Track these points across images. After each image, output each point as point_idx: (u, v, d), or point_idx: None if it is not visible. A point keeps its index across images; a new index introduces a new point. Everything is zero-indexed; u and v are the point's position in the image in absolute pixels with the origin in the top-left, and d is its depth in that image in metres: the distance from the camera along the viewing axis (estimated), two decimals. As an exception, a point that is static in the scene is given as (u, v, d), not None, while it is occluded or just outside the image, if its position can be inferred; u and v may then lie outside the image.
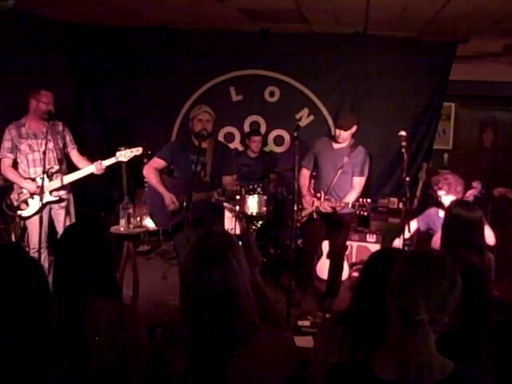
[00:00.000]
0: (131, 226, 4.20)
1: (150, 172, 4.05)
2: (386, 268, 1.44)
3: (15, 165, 4.22)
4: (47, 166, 4.11)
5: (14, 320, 1.44)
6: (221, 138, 6.23)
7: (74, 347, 1.63)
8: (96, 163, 4.26)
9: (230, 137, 6.37)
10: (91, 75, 6.41)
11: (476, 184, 4.40)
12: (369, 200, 3.99)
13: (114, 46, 6.29)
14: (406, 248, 3.79)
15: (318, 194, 4.36)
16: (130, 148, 4.39)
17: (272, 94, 6.24)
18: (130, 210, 4.21)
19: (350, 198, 4.18)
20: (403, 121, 5.66)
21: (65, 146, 4.37)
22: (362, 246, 5.42)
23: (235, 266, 1.58)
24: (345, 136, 4.26)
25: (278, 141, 6.36)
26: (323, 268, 4.98)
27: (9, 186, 4.30)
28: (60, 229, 4.36)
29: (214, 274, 1.54)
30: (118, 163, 4.47)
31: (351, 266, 5.25)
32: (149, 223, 4.49)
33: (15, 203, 4.20)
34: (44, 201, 4.05)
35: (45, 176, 4.05)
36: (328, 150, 4.40)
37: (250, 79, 6.21)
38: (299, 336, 3.55)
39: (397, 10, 4.63)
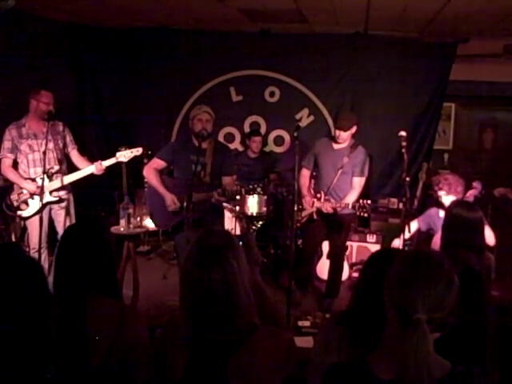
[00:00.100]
0: (131, 226, 4.20)
1: (150, 173, 4.04)
2: (386, 268, 1.44)
3: (15, 165, 4.22)
4: (47, 166, 4.11)
5: (14, 320, 1.43)
6: (221, 138, 6.23)
7: (75, 347, 1.63)
8: (96, 163, 4.26)
9: (230, 137, 6.38)
10: (91, 75, 6.42)
11: (476, 184, 4.40)
12: (369, 201, 3.99)
13: (114, 46, 6.30)
14: (406, 248, 3.80)
15: (318, 195, 4.36)
16: (129, 148, 4.39)
17: (272, 94, 6.24)
18: (130, 210, 4.21)
19: (350, 198, 4.18)
20: (403, 121, 5.66)
21: (65, 146, 4.37)
22: (362, 247, 5.42)
23: (235, 266, 1.58)
24: (344, 136, 4.26)
25: (278, 141, 6.37)
26: (323, 268, 4.98)
27: (9, 186, 4.30)
28: (60, 229, 4.36)
29: (213, 274, 1.54)
30: (118, 163, 4.47)
31: (351, 266, 5.25)
32: (149, 223, 4.49)
33: (15, 203, 4.20)
34: (44, 201, 4.05)
35: (45, 176, 4.05)
36: (328, 151, 4.40)
37: (250, 79, 6.21)
38: (299, 336, 3.55)
39: (397, 11, 4.63)
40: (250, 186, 3.96)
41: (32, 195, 4.17)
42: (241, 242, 1.77)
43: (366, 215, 4.06)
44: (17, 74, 5.10)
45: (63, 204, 4.35)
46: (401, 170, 4.64)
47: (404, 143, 3.90)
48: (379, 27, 5.55)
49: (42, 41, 5.52)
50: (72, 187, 4.43)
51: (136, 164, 5.20)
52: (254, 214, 5.03)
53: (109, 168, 4.36)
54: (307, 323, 3.99)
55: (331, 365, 1.41)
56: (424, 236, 4.27)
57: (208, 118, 3.93)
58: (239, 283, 1.57)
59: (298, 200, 4.10)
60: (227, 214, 5.05)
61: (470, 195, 4.24)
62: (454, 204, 2.99)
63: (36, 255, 4.12)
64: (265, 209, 5.01)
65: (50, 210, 4.32)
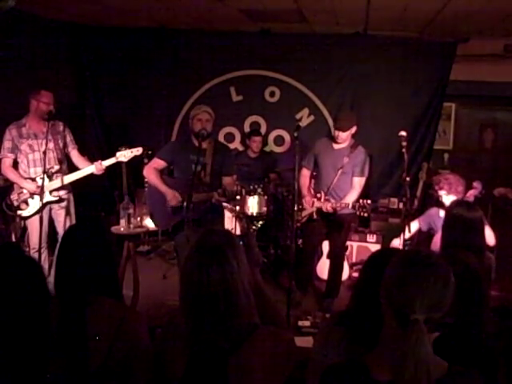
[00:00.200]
0: (131, 226, 4.20)
1: (151, 172, 4.04)
2: (386, 268, 1.44)
3: (15, 165, 4.22)
4: (47, 166, 4.11)
5: (13, 320, 1.43)
6: (221, 138, 6.23)
7: (75, 348, 1.63)
8: (96, 163, 4.25)
9: (230, 137, 6.38)
10: (91, 75, 6.42)
11: (476, 184, 4.40)
12: (369, 201, 3.98)
13: (114, 46, 6.30)
14: (406, 248, 3.80)
15: (318, 195, 4.36)
16: (129, 148, 4.39)
17: (272, 94, 6.24)
18: (131, 210, 4.21)
19: (350, 198, 4.18)
20: (403, 121, 5.66)
21: (65, 146, 4.37)
22: (363, 246, 5.42)
23: (235, 266, 1.58)
24: (343, 137, 4.26)
25: (279, 141, 6.37)
26: (323, 268, 4.98)
27: (9, 185, 4.30)
28: (60, 229, 4.36)
29: (212, 273, 1.54)
30: (119, 163, 4.47)
31: (351, 266, 5.25)
32: (149, 223, 4.48)
33: (15, 203, 4.20)
34: (44, 201, 4.05)
35: (45, 176, 4.05)
36: (328, 151, 4.39)
37: (250, 79, 6.21)
38: (299, 336, 3.55)
39: (397, 11, 4.63)
40: (251, 187, 3.96)
41: (32, 195, 4.17)
42: (241, 242, 1.77)
43: (365, 215, 4.06)
44: (17, 74, 5.10)
45: (63, 204, 4.35)
46: (401, 170, 4.65)
47: (404, 143, 3.90)
48: (379, 27, 5.55)
49: (42, 41, 5.52)
50: (72, 187, 4.43)
51: (136, 164, 5.19)
52: (254, 214, 5.03)
53: (109, 168, 4.36)
54: (307, 323, 3.99)
55: (328, 366, 1.41)
56: (424, 236, 4.27)
57: (208, 117, 3.92)
58: (239, 283, 1.57)
59: (298, 200, 4.10)
60: (227, 214, 5.05)
61: (471, 195, 4.24)
62: (454, 204, 2.99)
63: (36, 255, 4.12)
64: (265, 209, 5.00)
65: (50, 209, 4.32)
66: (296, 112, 6.19)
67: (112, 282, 1.85)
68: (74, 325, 1.66)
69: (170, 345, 1.64)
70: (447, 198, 3.79)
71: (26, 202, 4.20)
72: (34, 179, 4.17)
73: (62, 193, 4.32)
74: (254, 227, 5.46)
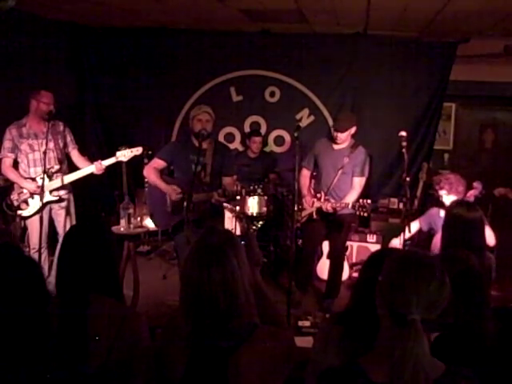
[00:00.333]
0: (131, 226, 4.20)
1: (151, 172, 4.04)
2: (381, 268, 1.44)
3: (16, 164, 4.23)
4: (47, 166, 4.11)
5: (12, 320, 1.43)
6: (221, 138, 6.23)
7: (75, 348, 1.63)
8: (96, 163, 4.26)
9: (230, 137, 6.37)
10: (91, 75, 6.41)
11: (477, 184, 4.40)
12: (369, 201, 3.98)
13: (114, 46, 6.29)
14: (406, 248, 3.79)
15: (318, 195, 4.36)
16: (129, 148, 4.39)
17: (272, 94, 6.24)
18: (131, 210, 4.21)
19: (350, 198, 4.18)
20: (403, 121, 5.66)
21: (65, 145, 4.37)
22: (363, 247, 5.42)
23: (235, 265, 1.58)
24: (342, 137, 4.26)
25: (279, 141, 6.36)
26: (323, 268, 4.98)
27: (9, 185, 4.30)
28: (60, 229, 4.36)
29: (213, 272, 1.53)
30: (119, 163, 4.47)
31: (351, 266, 5.25)
32: (149, 223, 4.48)
33: (15, 203, 4.20)
34: (44, 201, 4.05)
35: (45, 176, 4.05)
36: (328, 151, 4.40)
37: (250, 79, 6.21)
38: (299, 336, 3.55)
39: (397, 11, 4.63)
40: (251, 187, 3.96)
41: (32, 195, 4.17)
42: (242, 242, 1.77)
43: (365, 215, 4.06)
44: (17, 74, 5.10)
45: (63, 204, 4.35)
46: (401, 170, 4.65)
47: (404, 143, 3.90)
48: (379, 27, 5.55)
49: (42, 41, 5.51)
50: (72, 187, 4.43)
51: (136, 164, 5.19)
52: (254, 214, 5.03)
53: (109, 168, 4.36)
54: (307, 323, 3.99)
55: (325, 369, 1.41)
56: (425, 236, 4.27)
57: (208, 118, 3.92)
58: (239, 282, 1.57)
59: (298, 200, 4.10)
60: (227, 214, 5.05)
61: (471, 195, 4.24)
62: (454, 204, 2.99)
63: (36, 255, 4.12)
64: (265, 209, 5.00)
65: (51, 209, 4.33)
66: (296, 112, 6.19)
67: (113, 282, 1.85)
68: (74, 325, 1.66)
69: (170, 345, 1.64)
70: (447, 198, 3.79)
71: (26, 202, 4.20)
72: (34, 179, 4.18)
73: (62, 193, 4.32)
74: (254, 227, 5.46)
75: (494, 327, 1.86)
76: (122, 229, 4.16)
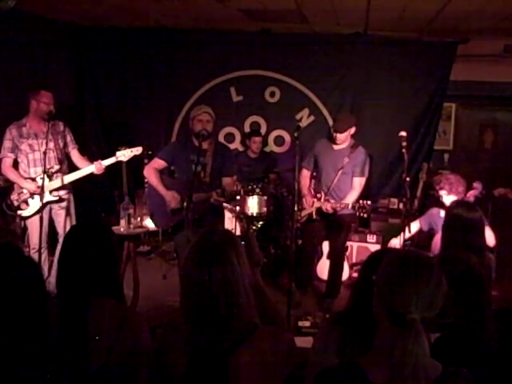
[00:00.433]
0: (131, 226, 4.20)
1: (151, 172, 4.04)
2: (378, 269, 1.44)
3: (16, 164, 4.22)
4: (47, 166, 4.11)
5: (11, 320, 1.43)
6: (221, 138, 6.23)
7: (75, 348, 1.63)
8: (96, 163, 4.25)
9: (230, 137, 6.37)
10: (91, 75, 6.41)
11: (477, 184, 4.40)
12: (369, 202, 3.98)
13: (114, 46, 6.30)
14: (406, 248, 3.79)
15: (318, 195, 4.36)
16: (129, 148, 4.39)
17: (272, 94, 6.24)
18: (131, 211, 4.21)
19: (350, 198, 4.18)
20: (403, 121, 5.67)
21: (65, 145, 4.37)
22: (363, 247, 5.41)
23: (235, 264, 1.58)
24: (342, 138, 4.27)
25: (279, 141, 6.36)
26: (323, 268, 4.98)
27: (9, 185, 4.30)
28: (60, 229, 4.35)
29: (213, 271, 1.53)
30: (119, 163, 4.47)
31: (351, 266, 5.25)
32: (149, 223, 4.48)
33: (15, 203, 4.20)
34: (44, 201, 4.05)
35: (45, 176, 4.05)
36: (328, 151, 4.40)
37: (250, 79, 6.21)
38: (299, 336, 3.55)
39: (397, 11, 4.64)
40: (249, 187, 3.95)
41: (32, 195, 4.17)
42: (242, 242, 1.77)
43: (365, 216, 4.06)
44: (17, 74, 5.10)
45: (63, 204, 4.35)
46: (401, 170, 4.65)
47: (404, 143, 3.91)
48: (379, 27, 5.55)
49: (42, 41, 5.51)
50: (72, 187, 4.43)
51: (136, 164, 5.19)
52: (254, 215, 5.02)
53: (109, 168, 4.36)
54: (307, 323, 3.99)
55: (323, 369, 1.40)
56: (425, 236, 4.27)
57: (208, 118, 3.92)
58: (240, 282, 1.57)
59: (298, 200, 4.10)
60: (227, 215, 5.05)
61: (471, 195, 4.24)
62: (454, 204, 3.00)
63: (36, 255, 4.12)
64: (265, 209, 4.99)
65: (51, 210, 4.32)
66: (296, 112, 6.19)
67: (114, 283, 1.85)
68: (75, 325, 1.66)
69: (170, 345, 1.64)
70: (448, 198, 3.79)
71: (26, 202, 4.20)
72: (34, 179, 4.17)
73: (62, 193, 4.32)
74: (254, 227, 5.46)
75: (495, 328, 1.86)
76: (121, 229, 4.16)
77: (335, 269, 4.59)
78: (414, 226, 4.05)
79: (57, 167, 4.24)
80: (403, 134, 3.95)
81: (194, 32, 6.13)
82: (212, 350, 1.56)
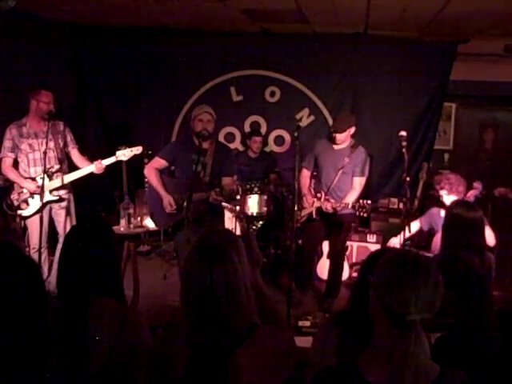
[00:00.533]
0: (131, 226, 4.20)
1: (151, 172, 4.04)
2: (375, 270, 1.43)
3: (16, 164, 4.22)
4: (47, 166, 4.11)
5: (10, 320, 1.43)
6: (221, 138, 6.23)
7: (76, 348, 1.63)
8: (96, 162, 4.25)
9: (230, 137, 6.37)
10: (91, 75, 6.41)
11: (477, 184, 4.40)
12: (369, 201, 3.98)
13: (114, 47, 6.29)
14: (406, 248, 3.80)
15: (319, 195, 4.36)
16: (129, 147, 4.39)
17: (272, 94, 6.24)
18: (131, 210, 4.21)
19: (350, 198, 4.18)
20: (404, 121, 5.67)
21: (65, 145, 4.36)
22: (363, 247, 5.41)
23: (236, 263, 1.58)
24: (341, 138, 4.26)
25: (279, 141, 6.37)
26: (323, 268, 4.98)
27: (9, 185, 4.30)
28: (60, 229, 4.35)
29: (215, 270, 1.53)
30: (119, 163, 4.47)
31: (351, 266, 5.25)
32: (149, 223, 4.49)
33: (15, 203, 4.20)
34: (44, 200, 4.05)
35: (45, 175, 4.05)
36: (328, 151, 4.39)
37: (250, 79, 6.21)
38: (299, 336, 3.54)
39: (397, 11, 4.64)
40: (247, 186, 3.95)
41: (32, 194, 4.17)
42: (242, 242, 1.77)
43: (365, 215, 4.06)
44: (17, 74, 5.10)
45: (63, 204, 4.34)
46: (401, 170, 4.65)
47: (404, 143, 3.91)
48: (379, 27, 5.55)
49: (42, 41, 5.51)
50: (72, 187, 4.43)
51: (136, 164, 5.20)
52: (254, 214, 5.03)
53: (109, 168, 4.35)
54: (307, 323, 3.98)
55: (319, 370, 1.40)
56: (425, 236, 4.27)
57: (209, 118, 3.92)
58: (240, 281, 1.57)
59: (298, 200, 4.10)
60: (227, 214, 5.05)
61: (471, 195, 4.24)
62: (454, 204, 3.00)
63: (36, 255, 4.12)
64: (265, 209, 5.00)
65: (51, 209, 4.32)
66: (296, 112, 6.19)
67: (114, 283, 1.85)
68: (75, 325, 1.66)
69: (171, 345, 1.64)
70: (448, 198, 3.79)
71: (26, 202, 4.20)
72: (34, 179, 4.17)
73: (62, 192, 4.32)
74: (253, 227, 5.46)
75: (496, 328, 1.86)
76: (122, 229, 4.17)
77: (335, 268, 4.59)
78: (414, 226, 4.05)
79: (57, 167, 4.24)
80: (403, 133, 3.95)
81: (193, 32, 6.12)
82: (212, 350, 1.55)
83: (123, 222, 4.19)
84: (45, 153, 4.03)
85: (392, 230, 4.79)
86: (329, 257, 4.82)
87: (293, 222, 3.99)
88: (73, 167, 4.43)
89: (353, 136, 4.36)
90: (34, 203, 4.18)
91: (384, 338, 1.33)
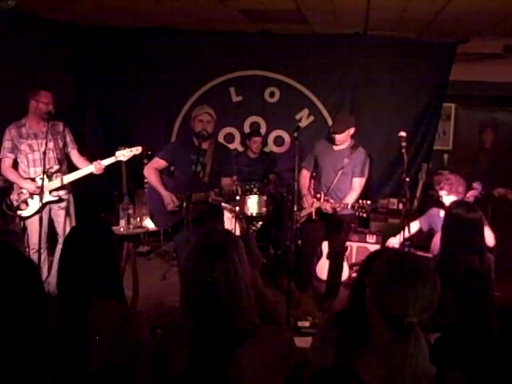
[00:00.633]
0: (131, 226, 4.20)
1: (151, 172, 4.05)
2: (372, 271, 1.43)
3: (15, 165, 4.22)
4: (47, 166, 4.11)
5: (9, 320, 1.43)
6: (221, 138, 6.23)
7: (76, 348, 1.63)
8: (95, 163, 4.25)
9: (230, 137, 6.37)
10: (91, 75, 6.41)
11: (476, 185, 4.40)
12: (368, 201, 3.98)
13: (114, 47, 6.29)
14: (405, 248, 3.80)
15: (318, 195, 4.36)
16: (129, 148, 4.39)
17: (272, 94, 6.24)
18: (130, 211, 4.21)
19: (350, 198, 4.18)
20: (403, 121, 5.66)
21: (65, 145, 4.36)
22: (362, 247, 5.41)
23: (237, 262, 1.58)
24: (340, 139, 4.27)
25: (278, 141, 6.36)
26: (323, 268, 4.98)
27: (9, 186, 4.30)
28: (60, 229, 4.35)
29: (216, 271, 1.53)
30: (118, 163, 4.47)
31: (351, 266, 5.25)
32: (149, 224, 4.48)
33: (15, 203, 4.20)
34: (44, 201, 4.05)
35: (44, 176, 4.05)
36: (328, 152, 4.40)
37: (250, 80, 6.21)
38: (299, 336, 3.55)
39: (397, 11, 4.63)
40: (247, 187, 3.96)
41: (32, 195, 4.17)
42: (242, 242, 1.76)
43: (365, 215, 4.06)
44: (17, 74, 5.10)
45: (63, 204, 4.34)
46: (401, 171, 4.64)
47: (404, 143, 3.90)
48: (379, 27, 5.55)
49: (42, 41, 5.51)
50: (72, 187, 4.43)
51: (136, 164, 5.20)
52: (254, 215, 5.03)
53: (109, 168, 4.35)
54: (307, 323, 3.98)
55: (316, 371, 1.40)
56: (425, 236, 4.27)
57: (209, 119, 3.92)
58: (241, 281, 1.57)
59: (298, 200, 4.10)
60: (227, 215, 5.05)
61: (471, 196, 4.24)
62: (454, 204, 3.00)
63: (36, 255, 4.12)
64: (264, 209, 5.01)
65: (50, 210, 4.32)
66: (296, 112, 6.19)
67: (114, 283, 1.85)
68: (75, 325, 1.66)
69: (171, 345, 1.64)
70: (447, 199, 3.79)
71: (25, 202, 4.20)
72: (33, 179, 4.17)
73: (62, 193, 4.32)
74: (253, 228, 5.46)
75: (498, 328, 1.86)
76: (121, 229, 4.17)
77: (335, 269, 4.59)
78: (414, 226, 4.05)
79: (56, 167, 4.24)
80: (403, 134, 3.95)
81: (194, 32, 6.12)
82: (212, 350, 1.55)
83: (123, 222, 4.19)
84: (44, 153, 4.03)
85: (391, 231, 4.79)
86: (328, 257, 4.82)
87: (292, 222, 3.99)
88: (72, 168, 4.43)
89: (352, 137, 4.36)
90: (34, 204, 4.18)
91: (381, 338, 1.33)
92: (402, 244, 3.89)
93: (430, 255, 3.61)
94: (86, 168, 4.28)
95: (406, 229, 3.82)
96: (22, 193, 4.18)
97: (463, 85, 6.19)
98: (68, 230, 4.21)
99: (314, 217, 4.36)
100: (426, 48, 5.79)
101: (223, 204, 4.37)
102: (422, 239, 4.46)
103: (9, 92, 4.94)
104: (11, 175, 4.18)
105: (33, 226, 4.20)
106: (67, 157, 4.42)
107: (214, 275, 1.53)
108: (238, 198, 4.14)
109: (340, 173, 4.29)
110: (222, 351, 1.55)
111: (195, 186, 3.67)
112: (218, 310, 1.53)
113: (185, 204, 3.57)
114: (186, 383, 1.57)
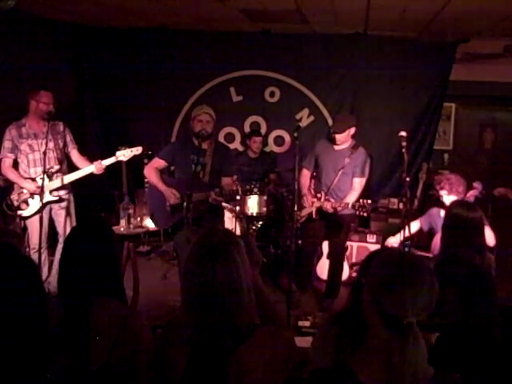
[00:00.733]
0: (131, 226, 4.21)
1: (151, 172, 4.05)
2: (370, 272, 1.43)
3: (15, 165, 4.22)
4: (47, 166, 4.11)
5: (9, 320, 1.43)
6: (221, 138, 6.23)
7: (76, 348, 1.63)
8: (95, 163, 4.25)
9: (230, 137, 6.37)
10: (91, 75, 6.41)
11: (477, 184, 4.40)
12: (369, 201, 3.98)
13: (114, 47, 6.29)
14: (405, 248, 3.79)
15: (319, 195, 4.36)
16: (129, 147, 4.39)
17: (272, 94, 6.24)
18: (131, 211, 4.21)
19: (350, 198, 4.18)
20: (403, 121, 5.66)
21: (65, 145, 4.36)
22: (362, 247, 5.41)
23: (238, 262, 1.58)
24: (341, 139, 4.26)
25: (278, 141, 6.37)
26: (323, 268, 4.98)
27: (9, 186, 4.30)
28: (60, 229, 4.35)
29: (217, 271, 1.53)
30: (119, 163, 4.46)
31: (351, 266, 5.25)
32: (149, 223, 4.49)
33: (15, 203, 4.20)
34: (44, 201, 4.05)
35: (45, 176, 4.05)
36: (328, 152, 4.39)
37: (250, 79, 6.21)
38: (299, 336, 3.55)
39: (397, 11, 4.63)
40: (247, 187, 3.96)
41: (32, 195, 4.17)
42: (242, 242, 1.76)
43: (365, 215, 4.06)
44: (17, 74, 5.10)
45: (63, 204, 4.34)
46: (401, 170, 4.64)
47: (404, 143, 3.90)
48: (379, 27, 5.55)
49: (42, 41, 5.52)
50: (72, 187, 4.43)
51: (136, 164, 5.20)
52: (254, 214, 5.03)
53: (109, 168, 4.35)
54: (307, 323, 3.98)
55: (314, 371, 1.40)
56: (425, 236, 4.27)
57: (208, 119, 3.92)
58: (242, 280, 1.57)
59: (298, 200, 4.10)
60: (227, 215, 5.05)
61: (471, 195, 4.24)
62: (454, 204, 3.00)
63: (36, 255, 4.12)
64: (265, 209, 5.00)
65: (51, 210, 4.32)
66: (296, 112, 6.19)
67: (115, 283, 1.85)
68: (76, 325, 1.66)
69: (171, 345, 1.64)
70: (448, 198, 3.79)
71: (26, 202, 4.20)
72: (34, 179, 4.17)
73: (62, 193, 4.32)
74: (253, 227, 5.46)
75: (499, 328, 1.86)
76: (121, 229, 4.17)
77: (335, 269, 4.59)
78: (414, 226, 4.05)
79: (57, 167, 4.24)
80: (403, 134, 3.94)
81: (194, 32, 6.12)
82: (212, 350, 1.55)
83: (123, 222, 4.20)
84: (44, 153, 4.03)
85: (392, 230, 4.79)
86: (328, 257, 4.82)
87: (293, 222, 3.99)
88: (72, 167, 4.43)
89: (353, 136, 4.36)
90: (34, 203, 4.18)
91: (378, 338, 1.32)
92: (402, 243, 3.88)
93: (430, 255, 3.61)
94: (86, 168, 4.28)
95: (406, 228, 3.81)
96: (22, 193, 4.18)
97: (463, 85, 6.19)
98: (68, 229, 4.22)
99: (314, 216, 4.36)
100: (426, 48, 5.80)
101: (223, 204, 4.37)
102: (422, 239, 4.45)
103: (9, 92, 4.94)
104: (11, 175, 4.18)
105: (33, 225, 4.20)
106: (67, 157, 4.42)
107: (215, 275, 1.53)
108: (238, 197, 4.13)
109: (340, 173, 4.29)
110: (223, 351, 1.55)
111: (195, 186, 3.67)
112: (219, 310, 1.53)
113: (185, 204, 3.57)
114: (186, 383, 1.57)
